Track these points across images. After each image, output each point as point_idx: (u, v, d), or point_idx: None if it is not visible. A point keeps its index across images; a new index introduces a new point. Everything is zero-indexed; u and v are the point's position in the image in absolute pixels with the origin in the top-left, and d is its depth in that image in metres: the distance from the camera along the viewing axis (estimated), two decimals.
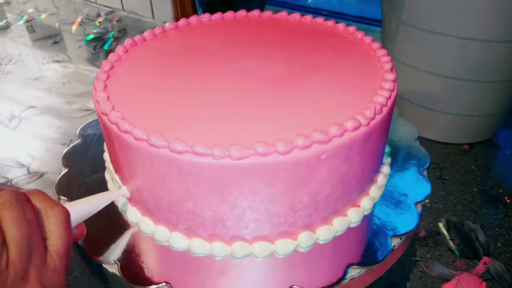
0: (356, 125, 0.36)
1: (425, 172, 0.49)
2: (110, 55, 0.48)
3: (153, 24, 1.38)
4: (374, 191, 0.44)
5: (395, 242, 0.41)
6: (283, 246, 0.39)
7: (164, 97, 0.41)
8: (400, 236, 0.41)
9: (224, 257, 0.39)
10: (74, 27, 1.39)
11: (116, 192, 0.42)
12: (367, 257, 0.39)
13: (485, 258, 0.62)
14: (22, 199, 0.26)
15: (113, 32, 1.34)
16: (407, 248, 0.45)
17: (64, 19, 1.45)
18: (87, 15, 1.46)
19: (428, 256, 0.63)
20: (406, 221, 0.43)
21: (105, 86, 0.42)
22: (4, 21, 1.47)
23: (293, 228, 0.39)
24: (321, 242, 0.40)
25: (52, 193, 0.47)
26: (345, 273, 0.37)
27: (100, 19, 1.43)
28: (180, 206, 0.37)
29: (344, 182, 0.39)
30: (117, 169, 0.42)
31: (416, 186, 0.47)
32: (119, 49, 0.48)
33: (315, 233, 0.40)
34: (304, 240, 0.39)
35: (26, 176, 0.80)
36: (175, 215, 0.38)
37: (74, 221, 0.32)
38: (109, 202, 0.38)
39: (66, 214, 0.29)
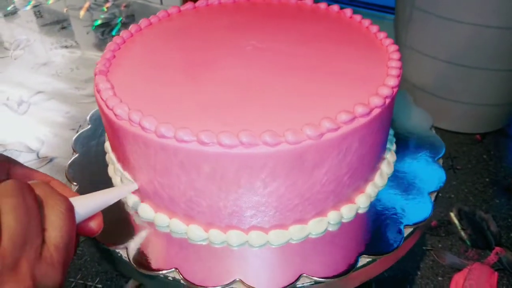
0: (367, 110, 0.35)
1: (440, 161, 0.48)
2: (111, 41, 0.46)
3: (161, 9, 1.37)
4: (380, 177, 0.44)
5: (407, 231, 0.40)
6: (296, 232, 0.39)
7: (167, 84, 0.40)
8: (412, 225, 0.41)
9: (240, 246, 0.39)
10: (82, 13, 1.38)
11: (126, 187, 0.41)
12: (379, 247, 0.38)
13: (497, 248, 0.61)
14: (24, 188, 0.25)
15: (121, 18, 1.33)
16: (418, 238, 0.44)
17: (71, 4, 1.44)
18: (95, 1, 1.45)
19: (440, 245, 0.62)
20: (419, 210, 0.42)
21: (107, 74, 0.41)
22: (12, 6, 1.46)
23: (304, 215, 0.39)
24: (331, 229, 0.40)
25: (61, 177, 0.46)
26: (356, 263, 0.37)
27: (108, 5, 1.42)
28: (194, 198, 0.37)
29: (353, 168, 0.38)
30: (125, 164, 0.41)
31: (431, 175, 0.46)
32: (118, 39, 0.46)
33: (326, 216, 0.40)
34: (315, 226, 0.39)
35: (36, 161, 0.80)
36: (179, 205, 0.38)
37: (82, 215, 0.31)
38: (119, 198, 0.37)
39: (69, 205, 0.28)
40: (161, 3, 1.38)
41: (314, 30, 0.48)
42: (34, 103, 0.97)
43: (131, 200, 0.42)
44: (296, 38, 0.46)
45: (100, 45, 1.20)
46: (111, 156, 0.44)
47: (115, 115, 0.36)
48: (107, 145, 0.46)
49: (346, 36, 0.47)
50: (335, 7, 0.51)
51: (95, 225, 0.32)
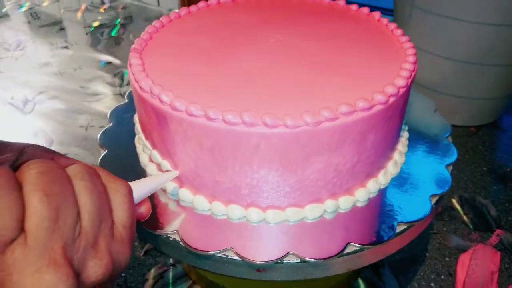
0: (368, 105, 0.38)
1: (449, 168, 0.49)
2: (151, 24, 0.49)
3: (158, 11, 1.39)
4: (383, 175, 0.45)
5: (401, 228, 0.42)
6: (292, 214, 0.41)
7: (191, 66, 0.43)
8: (406, 223, 0.42)
9: (240, 220, 0.41)
10: (79, 14, 1.39)
11: (168, 175, 0.43)
12: (369, 239, 0.40)
13: (498, 231, 0.66)
14: (92, 172, 0.27)
15: (119, 19, 1.34)
16: (415, 236, 0.44)
17: (67, 6, 1.45)
18: (91, 2, 1.46)
19: (444, 229, 0.66)
20: (417, 211, 0.43)
21: (142, 52, 0.45)
22: (6, 8, 1.46)
23: (299, 202, 0.41)
24: (327, 217, 0.42)
25: None
26: (343, 250, 0.38)
27: (105, 7, 1.43)
28: (198, 171, 0.40)
29: (349, 163, 0.40)
30: (146, 134, 0.44)
31: (436, 179, 0.46)
32: (158, 23, 0.49)
33: (323, 203, 0.42)
34: (311, 210, 0.41)
35: None
36: (200, 182, 0.41)
37: (135, 200, 0.33)
38: (163, 184, 0.40)
39: (129, 188, 0.29)
40: (158, 4, 1.40)
41: (340, 29, 0.51)
42: (39, 102, 0.98)
43: (150, 169, 0.46)
44: (321, 35, 0.49)
45: (99, 46, 1.21)
46: (137, 127, 0.48)
47: (140, 87, 0.40)
48: (135, 116, 0.50)
49: (369, 36, 0.49)
50: (365, 9, 0.54)
51: (144, 209, 0.35)
